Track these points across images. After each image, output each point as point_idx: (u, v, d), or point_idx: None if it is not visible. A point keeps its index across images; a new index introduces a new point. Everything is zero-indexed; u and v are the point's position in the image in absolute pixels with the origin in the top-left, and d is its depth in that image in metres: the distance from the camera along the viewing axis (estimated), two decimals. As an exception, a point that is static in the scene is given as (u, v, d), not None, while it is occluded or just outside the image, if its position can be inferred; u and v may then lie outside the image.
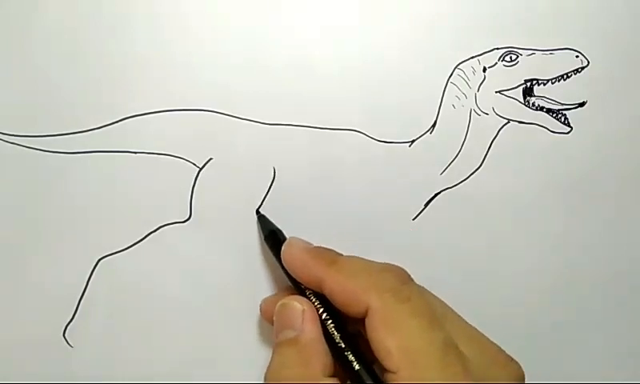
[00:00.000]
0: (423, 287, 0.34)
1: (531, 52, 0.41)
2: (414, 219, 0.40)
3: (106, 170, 0.39)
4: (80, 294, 0.38)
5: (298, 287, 0.35)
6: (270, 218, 0.38)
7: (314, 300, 0.34)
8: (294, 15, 0.40)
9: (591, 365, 0.41)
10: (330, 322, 0.33)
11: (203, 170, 0.39)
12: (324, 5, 0.40)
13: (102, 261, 0.38)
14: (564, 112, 0.41)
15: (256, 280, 0.39)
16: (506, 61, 0.41)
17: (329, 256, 0.34)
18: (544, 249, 0.41)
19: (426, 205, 0.40)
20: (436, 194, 0.40)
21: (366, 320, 0.31)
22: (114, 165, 0.39)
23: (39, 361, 0.38)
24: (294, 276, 0.35)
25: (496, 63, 0.41)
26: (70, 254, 0.38)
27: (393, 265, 0.34)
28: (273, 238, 0.37)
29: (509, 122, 0.41)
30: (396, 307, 0.31)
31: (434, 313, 0.32)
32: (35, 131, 0.38)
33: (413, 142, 0.40)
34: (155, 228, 0.39)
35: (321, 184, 0.40)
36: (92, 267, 0.38)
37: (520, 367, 0.33)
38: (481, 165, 0.41)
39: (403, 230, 0.40)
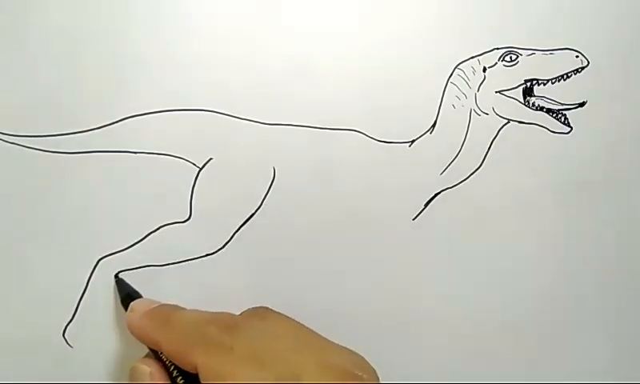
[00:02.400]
0: (270, 314, 0.34)
1: (531, 52, 0.41)
2: (414, 219, 0.40)
3: (106, 170, 0.39)
4: (80, 294, 0.38)
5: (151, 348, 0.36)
6: (127, 282, 0.38)
7: (165, 359, 0.34)
8: (293, 15, 0.40)
9: (591, 365, 0.41)
10: (180, 378, 0.33)
11: (203, 170, 0.39)
12: (324, 5, 0.40)
13: (102, 261, 0.38)
14: (564, 112, 0.41)
15: (256, 279, 0.39)
16: (506, 61, 0.41)
17: (163, 316, 0.35)
18: (544, 248, 0.41)
19: (426, 205, 0.40)
20: (436, 194, 0.40)
21: (199, 375, 0.32)
22: (114, 165, 0.39)
23: (39, 361, 0.38)
24: (139, 341, 0.35)
25: (496, 63, 0.41)
26: (70, 254, 0.38)
27: (220, 313, 0.34)
28: (129, 301, 0.37)
29: (509, 122, 0.41)
30: (220, 360, 0.31)
31: (263, 354, 0.32)
32: (35, 131, 0.38)
33: (413, 142, 0.40)
34: (155, 228, 0.39)
35: (321, 184, 0.40)
36: (92, 267, 0.38)
37: None
38: (481, 165, 0.41)
39: (403, 230, 0.40)
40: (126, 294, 0.37)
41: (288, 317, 0.35)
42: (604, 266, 0.41)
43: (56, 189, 0.38)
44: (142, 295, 0.37)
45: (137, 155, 0.39)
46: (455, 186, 0.41)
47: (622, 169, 0.41)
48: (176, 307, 0.36)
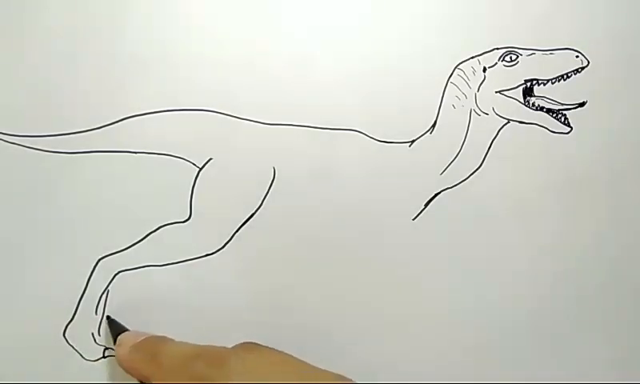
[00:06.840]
0: (259, 348, 0.34)
1: (531, 52, 0.41)
2: (413, 219, 0.40)
3: (106, 170, 0.39)
4: (80, 294, 0.38)
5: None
6: (118, 321, 0.38)
7: None
8: (294, 15, 0.40)
9: (591, 365, 0.41)
10: None
11: (203, 169, 0.39)
12: (324, 4, 0.40)
13: (102, 261, 0.38)
14: (564, 112, 0.41)
15: (256, 279, 0.39)
16: (506, 61, 0.41)
17: (151, 349, 0.35)
18: (544, 249, 0.41)
19: (426, 205, 0.40)
20: (436, 194, 0.40)
21: None
22: (114, 165, 0.39)
23: (39, 361, 0.38)
24: (128, 374, 0.35)
25: (496, 63, 0.41)
26: (70, 254, 0.38)
27: (208, 347, 0.34)
28: None
29: (509, 122, 0.41)
30: None
31: None
32: (35, 131, 0.38)
33: (413, 142, 0.40)
34: (155, 228, 0.39)
35: (321, 184, 0.40)
36: (92, 267, 0.38)
37: None
38: (481, 165, 0.41)
39: (403, 229, 0.40)
40: (117, 333, 0.37)
41: (275, 349, 0.35)
42: (604, 266, 0.41)
43: (56, 189, 0.38)
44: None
45: (137, 155, 0.39)
46: (455, 185, 0.41)
47: (622, 169, 0.41)
48: (163, 339, 0.35)
